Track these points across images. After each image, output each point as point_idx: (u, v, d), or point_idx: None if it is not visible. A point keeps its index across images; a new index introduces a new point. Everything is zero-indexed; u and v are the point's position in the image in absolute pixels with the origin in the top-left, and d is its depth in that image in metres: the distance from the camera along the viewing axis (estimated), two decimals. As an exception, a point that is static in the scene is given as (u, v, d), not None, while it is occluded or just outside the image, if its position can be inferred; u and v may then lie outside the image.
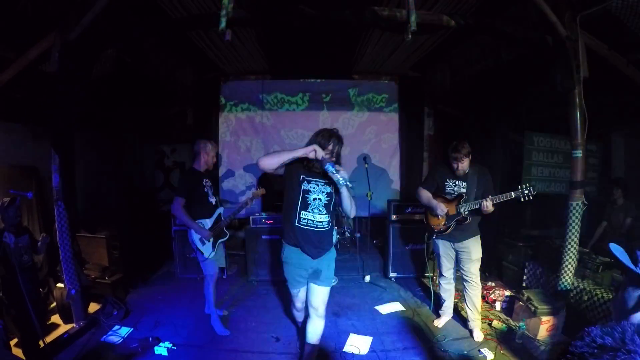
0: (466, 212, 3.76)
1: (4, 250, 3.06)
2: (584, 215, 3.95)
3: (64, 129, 4.05)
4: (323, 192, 3.08)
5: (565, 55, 3.75)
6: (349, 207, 3.06)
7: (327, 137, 3.05)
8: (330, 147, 3.03)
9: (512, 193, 3.53)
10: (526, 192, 3.47)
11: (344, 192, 2.95)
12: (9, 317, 3.33)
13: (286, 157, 2.95)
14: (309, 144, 3.02)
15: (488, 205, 3.54)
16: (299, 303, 3.41)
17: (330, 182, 3.03)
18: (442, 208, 3.87)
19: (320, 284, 3.17)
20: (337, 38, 5.32)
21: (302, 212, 3.05)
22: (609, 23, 3.64)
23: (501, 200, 3.56)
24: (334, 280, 5.39)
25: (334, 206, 3.19)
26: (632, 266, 1.31)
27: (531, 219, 6.29)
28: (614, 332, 0.83)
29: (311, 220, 3.05)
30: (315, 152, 2.89)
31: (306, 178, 3.05)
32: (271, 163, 2.95)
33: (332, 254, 3.26)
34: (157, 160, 7.78)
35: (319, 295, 3.18)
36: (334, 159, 3.04)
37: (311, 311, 3.22)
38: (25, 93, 4.43)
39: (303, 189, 3.04)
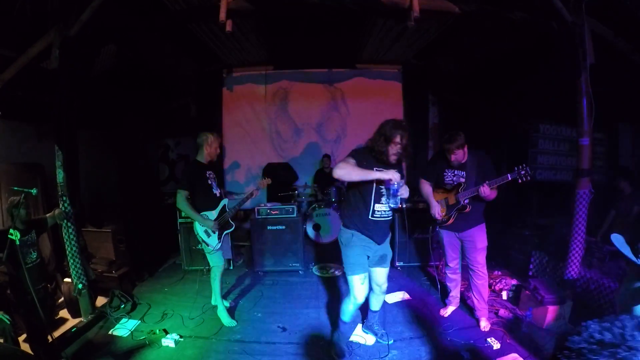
0: (466, 200, 3.70)
1: (10, 247, 3.06)
2: (591, 203, 3.91)
3: (67, 125, 4.06)
4: None
5: (571, 41, 3.69)
6: None
7: (395, 128, 3.09)
8: (397, 139, 3.08)
9: (509, 175, 3.41)
10: (522, 172, 3.33)
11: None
12: (17, 313, 3.36)
13: (361, 177, 3.03)
14: (374, 139, 3.18)
15: (485, 190, 3.45)
16: (364, 290, 3.31)
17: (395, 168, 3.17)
18: (438, 211, 3.87)
19: (385, 266, 3.40)
20: (339, 27, 5.28)
21: (376, 205, 3.17)
22: (615, 9, 3.57)
23: (498, 183, 3.46)
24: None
25: None
26: (633, 258, 1.29)
27: (538, 208, 6.24)
28: (613, 328, 0.81)
29: (384, 211, 3.20)
30: (392, 178, 2.95)
31: (378, 169, 3.08)
32: (348, 178, 3.07)
33: (389, 236, 3.45)
34: (162, 153, 7.80)
35: (384, 275, 3.43)
36: (402, 152, 3.14)
37: (376, 289, 3.48)
38: (27, 91, 4.44)
39: (377, 181, 3.11)
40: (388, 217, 3.26)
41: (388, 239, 3.41)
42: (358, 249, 3.24)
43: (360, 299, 3.31)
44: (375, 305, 3.68)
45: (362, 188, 3.16)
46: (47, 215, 3.93)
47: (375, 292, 3.52)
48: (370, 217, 3.16)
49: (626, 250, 1.34)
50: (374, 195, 3.13)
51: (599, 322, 0.84)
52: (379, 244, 3.28)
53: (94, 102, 5.22)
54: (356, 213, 3.22)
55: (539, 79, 5.35)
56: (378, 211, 3.16)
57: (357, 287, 3.25)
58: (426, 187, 4.02)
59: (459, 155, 3.66)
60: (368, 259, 3.31)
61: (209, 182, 4.09)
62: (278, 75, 7.13)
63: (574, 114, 3.88)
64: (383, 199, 3.16)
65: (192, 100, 7.33)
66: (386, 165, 3.15)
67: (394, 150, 3.11)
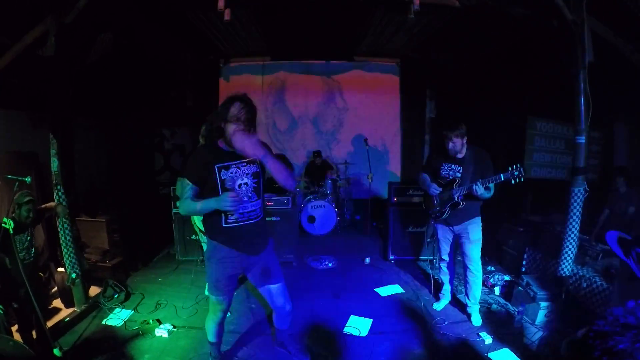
0: (460, 197, 3.68)
1: (4, 236, 3.03)
2: (585, 202, 3.93)
3: (62, 114, 4.02)
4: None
5: (570, 39, 3.69)
6: None
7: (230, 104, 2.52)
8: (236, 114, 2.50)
9: (502, 175, 3.38)
10: (516, 173, 3.30)
11: None
12: (10, 305, 3.34)
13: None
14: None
15: (478, 190, 3.42)
16: (222, 311, 2.97)
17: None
18: (435, 186, 3.79)
19: (274, 282, 2.96)
20: (338, 18, 5.23)
21: None
22: (616, 9, 3.56)
23: (490, 183, 3.45)
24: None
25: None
26: (625, 258, 1.31)
27: (532, 205, 6.28)
28: (636, 311, 0.85)
29: (245, 213, 2.74)
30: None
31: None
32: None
33: (270, 243, 3.02)
34: (157, 143, 7.75)
35: (278, 293, 3.00)
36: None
37: (278, 310, 3.11)
38: (23, 79, 4.39)
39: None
40: (255, 218, 2.70)
41: (270, 247, 2.92)
42: (218, 266, 2.72)
43: (219, 318, 2.97)
44: (280, 323, 3.24)
45: (205, 187, 2.59)
46: (44, 206, 3.91)
47: (279, 313, 3.11)
48: (223, 224, 2.62)
49: (619, 252, 1.35)
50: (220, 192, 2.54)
51: (623, 307, 0.88)
52: (252, 255, 2.76)
53: (90, 91, 5.18)
54: (208, 220, 2.72)
55: (537, 76, 5.36)
56: (233, 215, 2.60)
57: (214, 307, 2.91)
58: (423, 176, 3.96)
59: (457, 144, 3.60)
60: (242, 276, 2.90)
61: None
62: (275, 66, 7.09)
63: (571, 112, 3.88)
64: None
65: (188, 90, 7.30)
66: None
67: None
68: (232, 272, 2.77)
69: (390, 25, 5.50)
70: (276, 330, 3.37)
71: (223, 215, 2.58)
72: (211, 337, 3.09)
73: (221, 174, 2.55)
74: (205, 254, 2.83)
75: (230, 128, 2.47)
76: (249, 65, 7.07)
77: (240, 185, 2.59)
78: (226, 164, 2.57)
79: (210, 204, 2.48)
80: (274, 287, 2.92)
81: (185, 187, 2.56)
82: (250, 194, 2.63)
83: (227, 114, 2.47)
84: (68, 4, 3.62)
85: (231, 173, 2.57)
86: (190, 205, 2.55)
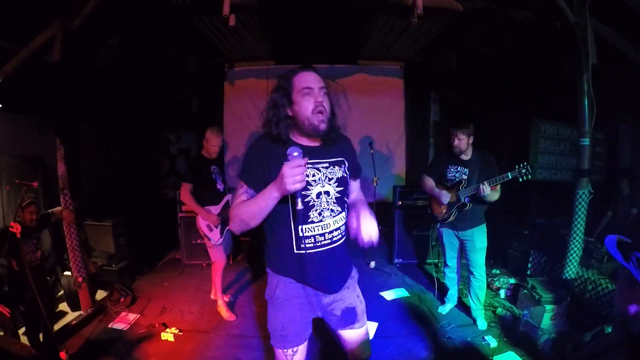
0: (466, 199, 3.70)
1: (11, 240, 3.06)
2: (590, 204, 3.92)
3: (69, 118, 4.07)
4: None
5: (573, 41, 3.69)
6: None
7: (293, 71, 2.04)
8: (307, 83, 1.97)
9: (509, 174, 3.40)
10: (523, 171, 3.34)
11: None
12: (17, 309, 3.37)
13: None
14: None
15: (486, 189, 3.43)
16: None
17: None
18: (445, 196, 3.81)
19: (357, 327, 2.21)
20: (342, 23, 5.25)
21: (303, 225, 2.04)
22: (618, 10, 3.56)
23: (498, 182, 3.46)
24: None
25: None
26: (624, 263, 1.30)
27: (537, 208, 6.25)
28: None
29: (324, 233, 2.08)
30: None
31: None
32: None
33: (352, 276, 2.27)
34: (163, 147, 7.78)
35: (356, 340, 2.24)
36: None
37: None
38: (29, 84, 4.43)
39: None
40: (338, 240, 2.01)
41: (352, 281, 2.16)
42: (285, 309, 2.02)
43: None
44: None
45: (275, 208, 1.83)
46: (51, 210, 3.95)
47: None
48: (295, 250, 1.93)
49: (618, 257, 1.34)
50: (290, 209, 1.86)
51: None
52: (328, 293, 2.04)
53: (96, 95, 5.22)
54: (272, 245, 2.05)
55: (541, 78, 5.35)
56: (310, 236, 1.91)
57: None
58: (429, 181, 3.98)
59: (462, 142, 3.64)
60: (319, 320, 2.17)
61: (213, 176, 4.10)
62: (280, 70, 7.08)
63: (575, 113, 3.88)
64: (312, 212, 1.91)
65: (193, 94, 7.33)
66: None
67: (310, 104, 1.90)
68: (306, 316, 2.07)
69: (394, 29, 5.50)
70: None
71: (294, 236, 1.91)
72: None
73: None
74: (266, 293, 2.08)
75: (304, 103, 1.89)
76: (254, 70, 7.08)
77: (319, 195, 1.93)
78: None
79: (270, 193, 1.74)
80: (353, 332, 2.17)
81: (238, 190, 1.94)
82: (332, 207, 1.96)
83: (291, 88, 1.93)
84: (74, 9, 3.65)
85: (306, 175, 1.73)
86: (241, 208, 1.87)
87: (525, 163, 3.38)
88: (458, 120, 3.70)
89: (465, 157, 3.75)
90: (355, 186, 2.22)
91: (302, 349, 2.06)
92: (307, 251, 1.88)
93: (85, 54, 3.91)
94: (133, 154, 7.03)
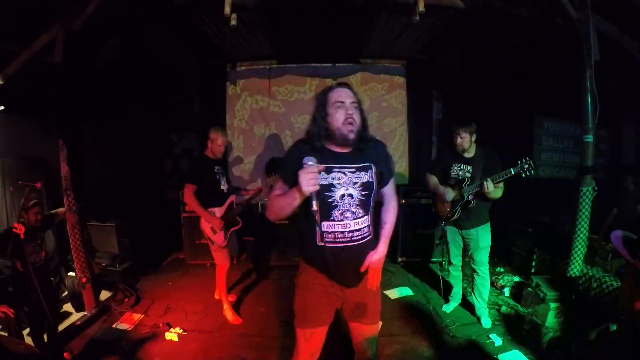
0: (470, 196, 3.70)
1: (15, 241, 3.06)
2: (594, 201, 3.90)
3: (71, 119, 4.07)
4: None
5: (575, 38, 3.67)
6: None
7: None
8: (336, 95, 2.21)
9: (512, 169, 3.41)
10: (526, 166, 3.34)
11: None
12: (21, 309, 3.37)
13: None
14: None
15: (489, 186, 3.43)
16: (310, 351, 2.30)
17: None
18: (449, 193, 3.81)
19: (366, 322, 2.36)
20: (343, 22, 5.24)
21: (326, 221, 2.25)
22: (620, 6, 3.54)
23: (501, 178, 3.46)
24: None
25: None
26: (630, 259, 1.29)
27: (541, 205, 6.23)
28: None
29: (346, 232, 2.27)
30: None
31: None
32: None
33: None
34: (165, 148, 7.79)
35: (363, 336, 2.41)
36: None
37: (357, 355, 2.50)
38: (31, 85, 4.44)
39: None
40: (359, 240, 2.17)
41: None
42: (305, 291, 2.26)
43: None
44: None
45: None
46: (54, 211, 3.96)
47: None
48: (317, 241, 2.13)
49: (624, 252, 1.34)
50: (314, 204, 1.93)
51: None
52: (345, 286, 2.23)
53: (98, 95, 5.23)
54: (302, 235, 2.28)
55: (544, 75, 5.33)
56: (331, 232, 2.12)
57: (301, 343, 2.26)
58: (433, 179, 3.99)
59: (465, 140, 3.66)
60: (339, 309, 2.32)
61: (217, 177, 4.08)
62: (282, 69, 7.10)
63: (578, 111, 3.86)
64: (335, 211, 2.11)
65: (195, 94, 7.33)
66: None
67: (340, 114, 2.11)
68: (325, 302, 2.24)
69: (396, 27, 5.49)
70: None
71: (317, 231, 2.08)
72: None
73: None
74: (296, 278, 2.33)
75: (336, 115, 2.11)
76: (256, 69, 7.07)
77: (342, 197, 2.11)
78: (328, 165, 2.08)
79: (293, 192, 1.99)
80: (361, 327, 2.33)
81: (276, 184, 2.23)
82: (354, 209, 2.13)
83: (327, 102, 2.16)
84: (75, 10, 3.66)
85: (332, 178, 2.08)
86: (274, 201, 2.16)
87: (527, 158, 3.37)
88: (460, 119, 3.70)
89: (469, 154, 3.76)
90: (388, 191, 2.42)
91: (319, 332, 2.23)
92: (327, 245, 2.08)
93: (87, 55, 3.92)
94: (135, 154, 7.05)
